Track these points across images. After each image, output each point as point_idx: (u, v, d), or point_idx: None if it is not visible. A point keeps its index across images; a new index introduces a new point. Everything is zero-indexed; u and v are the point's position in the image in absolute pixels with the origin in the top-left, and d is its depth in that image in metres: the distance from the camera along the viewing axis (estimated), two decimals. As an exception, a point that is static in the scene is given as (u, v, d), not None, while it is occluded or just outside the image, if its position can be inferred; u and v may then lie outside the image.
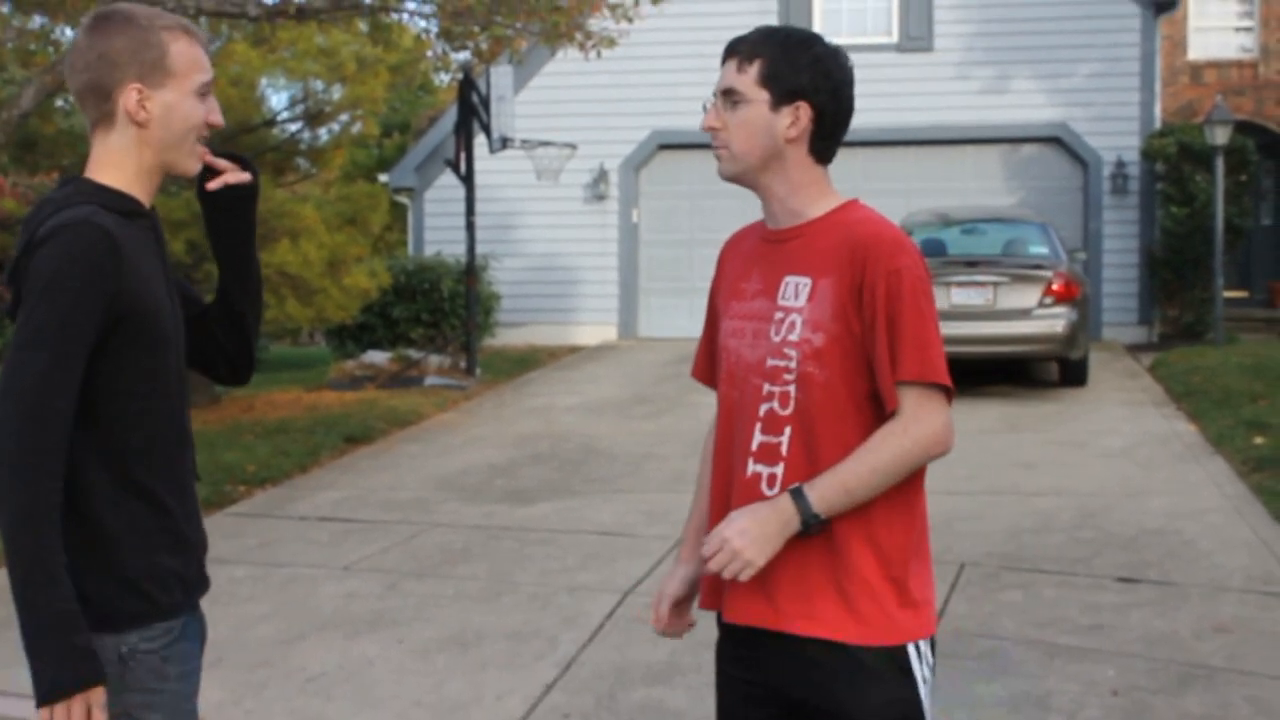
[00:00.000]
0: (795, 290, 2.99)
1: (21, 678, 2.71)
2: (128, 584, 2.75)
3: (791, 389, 2.95)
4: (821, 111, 3.00)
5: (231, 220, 3.06)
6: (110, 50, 2.82)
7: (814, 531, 2.87)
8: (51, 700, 2.60)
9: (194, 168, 2.92)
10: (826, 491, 2.86)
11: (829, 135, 3.04)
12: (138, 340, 2.76)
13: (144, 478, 2.79)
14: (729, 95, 3.02)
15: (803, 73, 2.98)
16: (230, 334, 3.13)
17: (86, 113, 2.89)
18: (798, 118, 2.99)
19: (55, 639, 2.60)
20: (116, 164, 2.86)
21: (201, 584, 2.95)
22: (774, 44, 3.00)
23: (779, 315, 3.00)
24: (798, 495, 2.87)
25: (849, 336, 2.92)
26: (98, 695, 2.63)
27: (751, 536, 2.84)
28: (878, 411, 2.94)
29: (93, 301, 2.67)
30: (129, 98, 2.82)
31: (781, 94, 2.98)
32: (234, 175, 3.02)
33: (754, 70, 2.99)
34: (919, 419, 2.89)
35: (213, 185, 3.00)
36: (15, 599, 2.62)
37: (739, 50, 3.03)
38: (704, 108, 3.11)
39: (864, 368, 2.93)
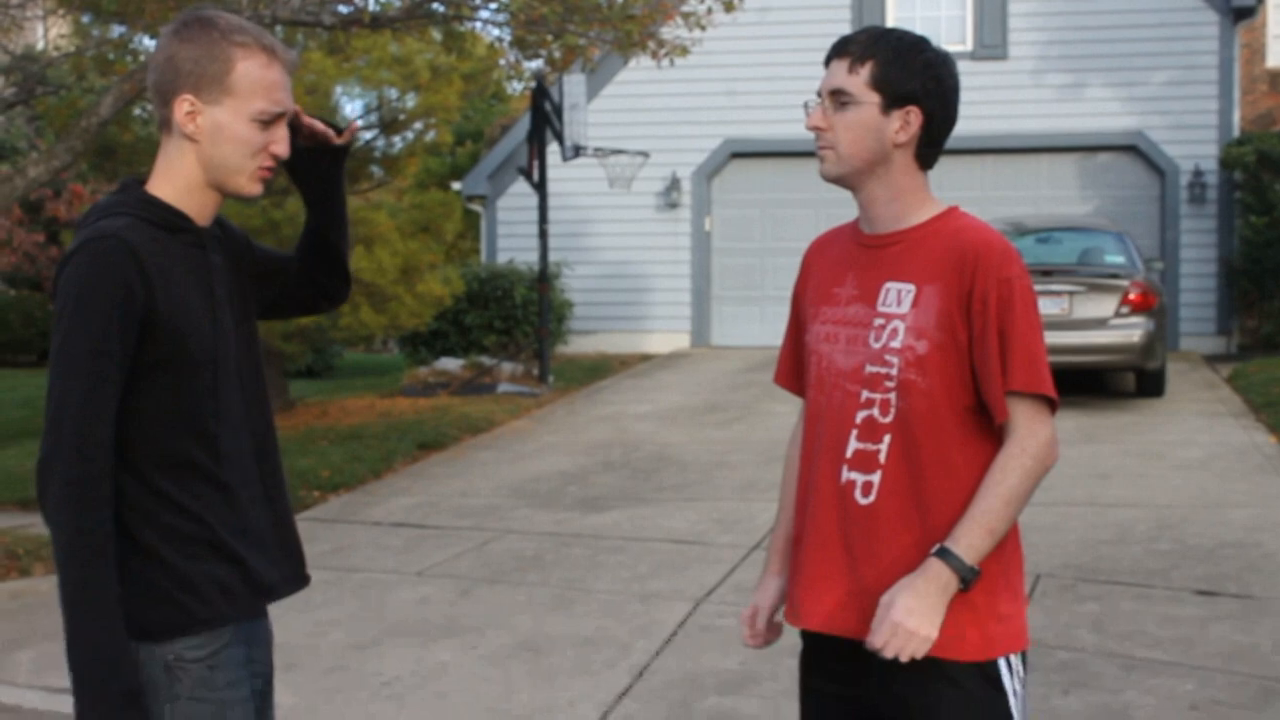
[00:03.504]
0: (897, 296, 2.96)
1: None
2: (163, 595, 2.69)
3: (892, 396, 2.92)
4: (930, 117, 2.98)
5: (317, 172, 3.04)
6: (177, 56, 2.74)
7: (973, 585, 2.84)
8: None
9: (250, 190, 2.81)
10: (974, 540, 2.82)
11: (935, 141, 3.02)
12: (161, 359, 2.69)
13: (173, 491, 2.71)
14: (838, 96, 2.98)
15: (915, 77, 2.95)
16: (321, 262, 3.11)
17: (156, 114, 2.82)
18: (907, 122, 2.96)
19: (95, 682, 2.57)
20: (169, 174, 2.80)
21: (255, 595, 2.85)
22: (886, 46, 2.96)
23: (879, 321, 2.96)
24: (946, 555, 2.82)
25: (953, 345, 2.90)
26: None
27: (919, 613, 2.80)
28: (976, 422, 2.92)
29: (121, 319, 2.61)
30: (180, 108, 2.74)
31: (893, 97, 2.95)
32: (322, 130, 2.99)
33: (865, 72, 2.95)
34: (1032, 433, 2.88)
35: (304, 139, 2.98)
36: (65, 630, 2.59)
37: (849, 51, 2.98)
38: (805, 107, 3.07)
39: (966, 377, 2.91)
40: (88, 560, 2.56)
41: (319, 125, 2.99)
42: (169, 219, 2.76)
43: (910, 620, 2.79)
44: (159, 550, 2.70)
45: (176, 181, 2.78)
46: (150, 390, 2.69)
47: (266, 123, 2.77)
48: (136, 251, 2.64)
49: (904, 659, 2.81)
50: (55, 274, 2.71)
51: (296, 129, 2.95)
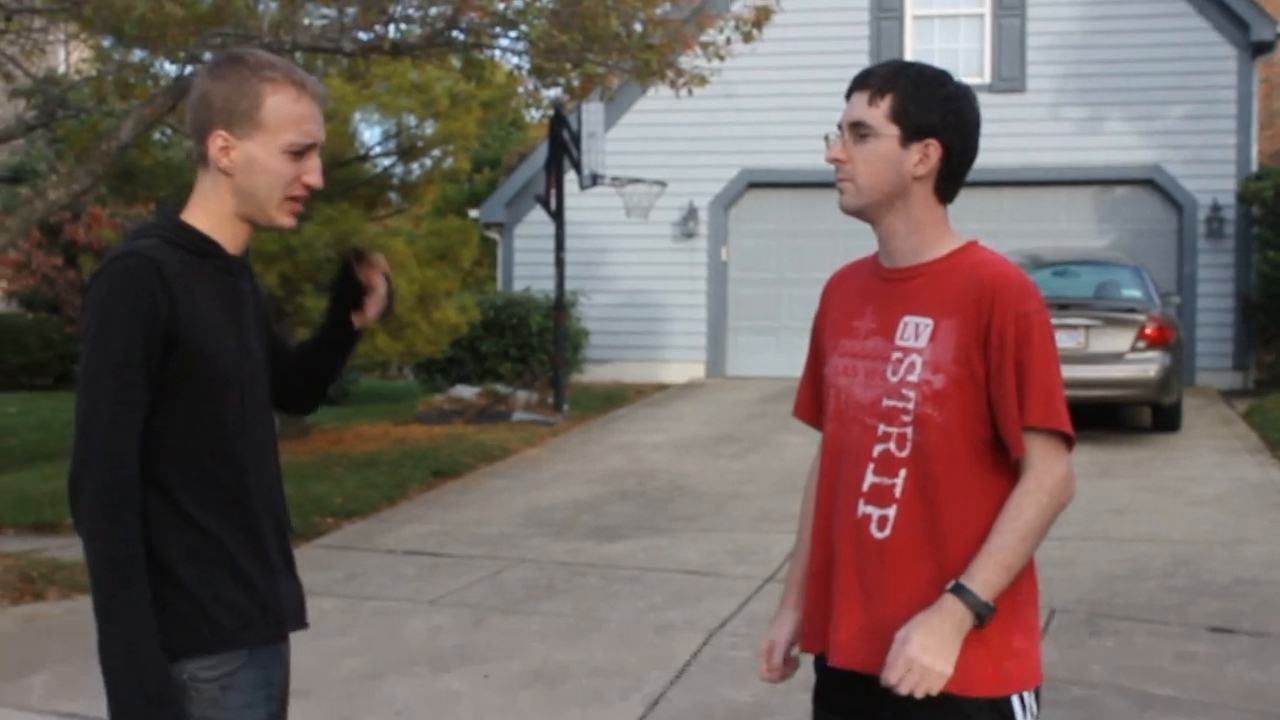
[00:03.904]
0: (915, 330, 2.95)
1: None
2: (177, 615, 2.71)
3: (909, 430, 2.91)
4: (950, 150, 2.98)
5: (349, 315, 3.17)
6: (210, 93, 2.81)
7: (988, 621, 2.82)
8: None
9: (283, 221, 2.88)
10: (989, 576, 2.81)
11: (954, 175, 3.02)
12: (185, 375, 2.73)
13: (195, 512, 2.75)
14: (857, 128, 2.99)
15: (934, 110, 2.96)
16: (309, 369, 3.20)
17: (194, 150, 2.90)
18: (926, 155, 2.96)
19: (126, 686, 2.59)
20: (203, 204, 2.86)
21: (270, 620, 2.86)
22: (907, 79, 2.97)
23: (897, 355, 2.96)
24: (961, 591, 2.81)
25: (970, 380, 2.89)
26: None
27: (934, 650, 2.79)
28: (993, 457, 2.91)
29: (145, 334, 2.67)
30: (214, 143, 2.81)
31: (912, 130, 2.95)
32: (374, 305, 3.14)
33: (885, 104, 2.96)
34: (1048, 469, 2.86)
35: (370, 309, 3.15)
36: (98, 635, 2.62)
37: (870, 83, 2.99)
38: (826, 140, 3.07)
39: (983, 412, 2.90)
40: (119, 568, 2.60)
41: (382, 300, 3.15)
42: (198, 244, 2.82)
43: (925, 657, 2.78)
44: (177, 570, 2.72)
45: (211, 212, 2.85)
46: (177, 408, 2.73)
47: (297, 154, 2.83)
48: (161, 269, 2.70)
49: (919, 695, 2.80)
50: (83, 294, 2.80)
51: (370, 285, 3.13)
